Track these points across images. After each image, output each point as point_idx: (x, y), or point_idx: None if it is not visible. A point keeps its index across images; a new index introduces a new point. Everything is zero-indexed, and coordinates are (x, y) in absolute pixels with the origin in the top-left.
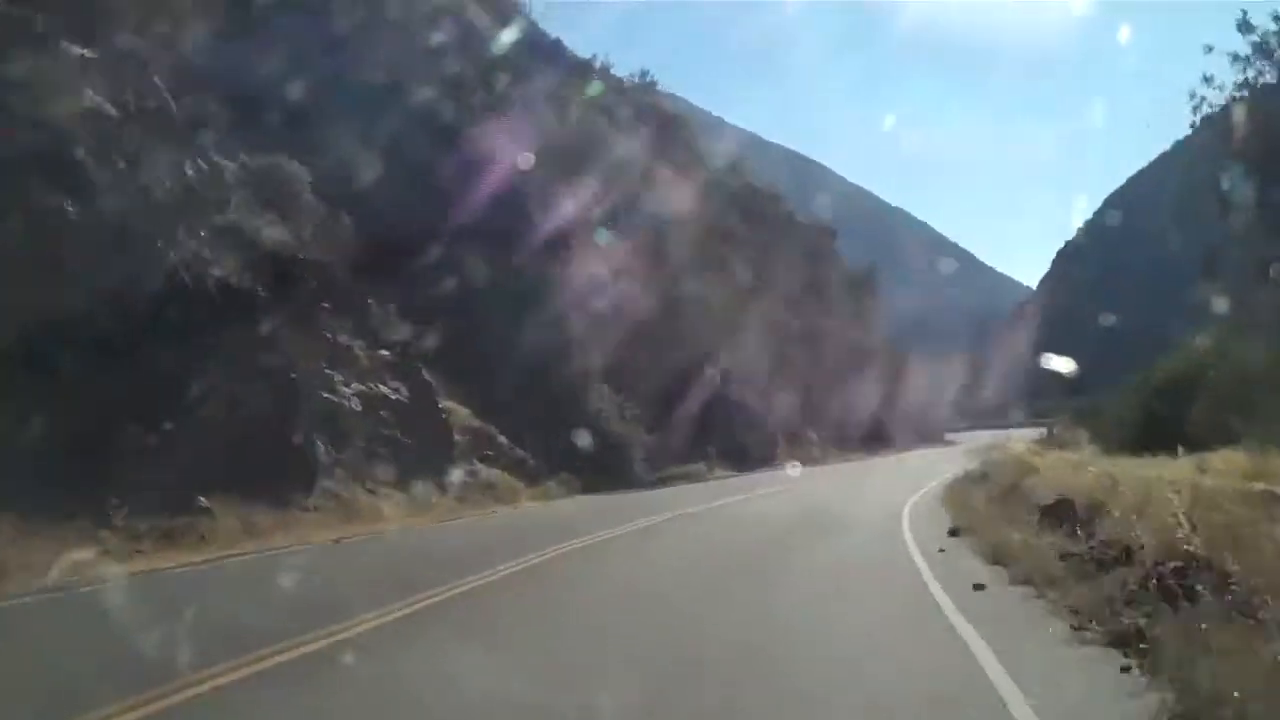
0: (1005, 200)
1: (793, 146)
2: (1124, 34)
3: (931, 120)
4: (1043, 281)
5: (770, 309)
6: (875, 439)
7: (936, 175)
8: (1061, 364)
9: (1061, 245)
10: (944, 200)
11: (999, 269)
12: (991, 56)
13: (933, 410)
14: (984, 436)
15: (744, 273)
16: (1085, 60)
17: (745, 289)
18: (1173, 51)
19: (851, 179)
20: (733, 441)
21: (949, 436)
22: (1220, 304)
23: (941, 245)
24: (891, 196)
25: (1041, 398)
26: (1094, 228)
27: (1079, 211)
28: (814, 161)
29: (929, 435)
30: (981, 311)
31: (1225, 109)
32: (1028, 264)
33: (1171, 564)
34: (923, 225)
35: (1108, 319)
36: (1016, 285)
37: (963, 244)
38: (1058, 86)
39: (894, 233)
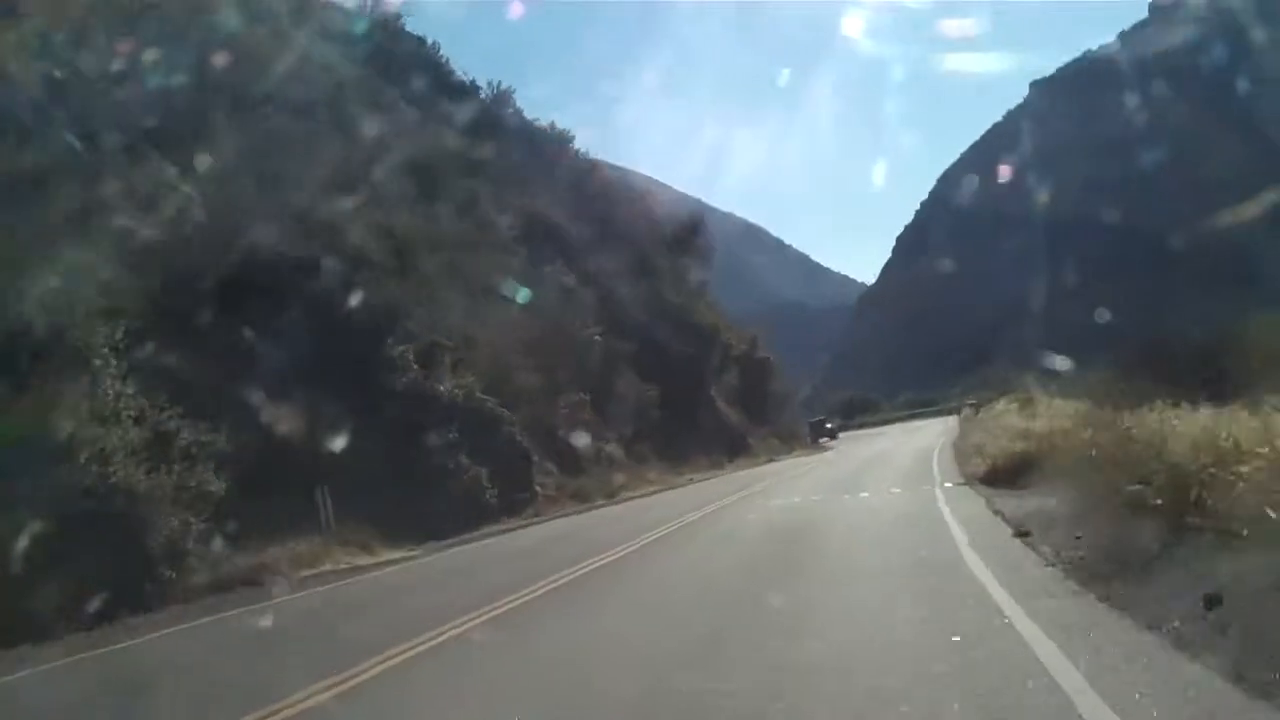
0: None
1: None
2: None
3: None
4: (886, 268)
5: (550, 270)
6: (719, 446)
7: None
8: (1060, 362)
9: (900, 230)
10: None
11: (835, 268)
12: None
13: (790, 408)
14: (886, 433)
15: (499, 220)
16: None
17: (500, 243)
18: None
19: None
20: (429, 485)
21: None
22: None
23: (779, 248)
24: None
25: (918, 386)
26: (930, 208)
27: (913, 197)
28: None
29: (790, 438)
30: (822, 308)
31: None
32: (864, 261)
33: None
34: (761, 229)
35: (1103, 315)
36: (853, 282)
37: (798, 246)
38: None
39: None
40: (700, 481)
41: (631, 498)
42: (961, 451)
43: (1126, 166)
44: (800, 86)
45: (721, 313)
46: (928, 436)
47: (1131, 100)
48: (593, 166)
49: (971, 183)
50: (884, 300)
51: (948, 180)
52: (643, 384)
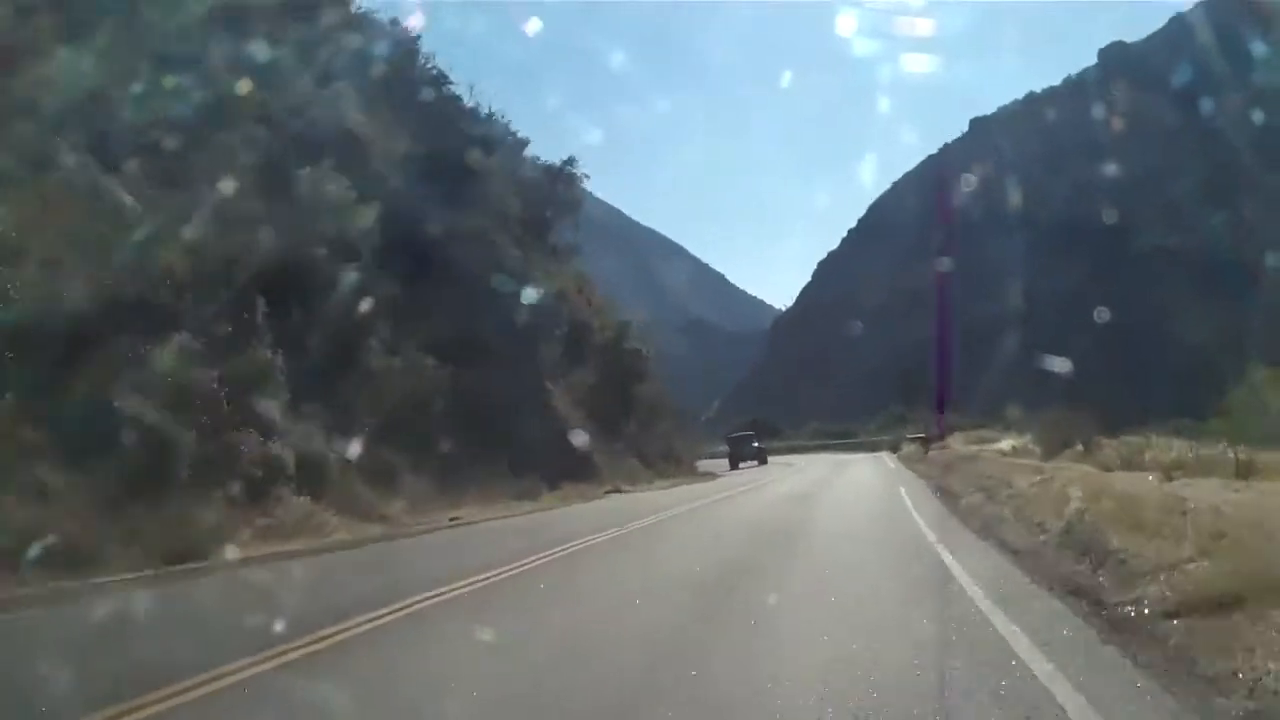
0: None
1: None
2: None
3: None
4: (803, 293)
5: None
6: (547, 463)
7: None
8: (1059, 364)
9: (823, 255)
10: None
11: (751, 291)
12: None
13: (668, 421)
14: (795, 464)
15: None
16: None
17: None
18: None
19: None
20: None
21: (705, 464)
22: None
23: (697, 267)
24: (642, 216)
25: (833, 416)
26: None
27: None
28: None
29: (661, 460)
30: (734, 329)
31: None
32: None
33: None
34: (676, 245)
35: (1102, 314)
36: (769, 307)
37: (715, 265)
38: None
39: (640, 246)
40: (460, 526)
41: (266, 556)
42: (1041, 556)
43: (1089, 183)
44: (729, 108)
45: (600, 299)
46: (864, 475)
47: (1097, 117)
48: (442, 77)
49: (903, 211)
50: (798, 326)
51: (879, 208)
52: (427, 357)
